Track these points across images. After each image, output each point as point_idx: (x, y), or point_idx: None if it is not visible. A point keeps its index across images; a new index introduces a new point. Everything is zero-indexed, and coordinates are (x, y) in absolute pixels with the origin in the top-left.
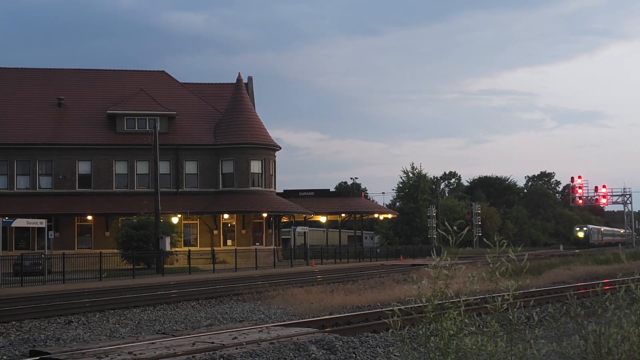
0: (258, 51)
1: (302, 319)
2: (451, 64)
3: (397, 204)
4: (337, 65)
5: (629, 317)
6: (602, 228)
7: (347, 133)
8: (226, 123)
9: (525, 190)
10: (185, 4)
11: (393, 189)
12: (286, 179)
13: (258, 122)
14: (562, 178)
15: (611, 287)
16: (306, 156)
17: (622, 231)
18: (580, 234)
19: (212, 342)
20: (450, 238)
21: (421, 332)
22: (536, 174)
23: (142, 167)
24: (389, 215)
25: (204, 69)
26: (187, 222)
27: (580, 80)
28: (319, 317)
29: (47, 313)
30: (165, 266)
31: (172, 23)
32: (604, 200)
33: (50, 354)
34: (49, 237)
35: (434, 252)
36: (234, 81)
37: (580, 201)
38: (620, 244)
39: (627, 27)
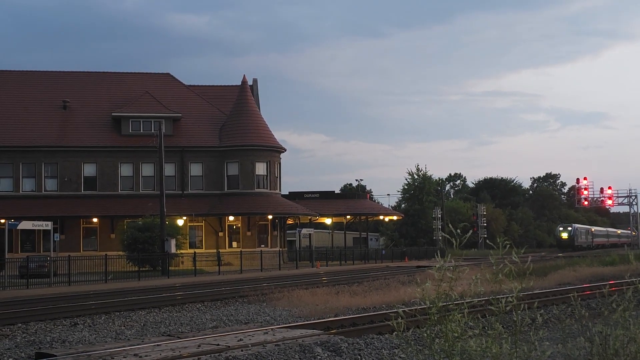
0: (261, 53)
1: (307, 320)
2: (455, 65)
3: (402, 205)
4: (340, 67)
5: (636, 318)
6: (593, 228)
7: (352, 135)
8: (231, 125)
9: (531, 192)
10: (188, 5)
11: (398, 191)
12: (291, 180)
13: (263, 124)
14: (567, 179)
15: (617, 288)
16: (311, 158)
17: (618, 232)
18: (564, 235)
19: (218, 344)
20: (454, 241)
21: (426, 334)
22: (541, 176)
23: (147, 169)
24: (394, 217)
25: (207, 70)
26: (192, 224)
27: (585, 82)
28: (324, 318)
29: (53, 315)
30: (170, 268)
31: (175, 25)
32: (609, 202)
33: (56, 356)
34: (55, 239)
35: (438, 254)
36: (239, 83)
37: (586, 203)
38: (627, 245)
39: (632, 27)
